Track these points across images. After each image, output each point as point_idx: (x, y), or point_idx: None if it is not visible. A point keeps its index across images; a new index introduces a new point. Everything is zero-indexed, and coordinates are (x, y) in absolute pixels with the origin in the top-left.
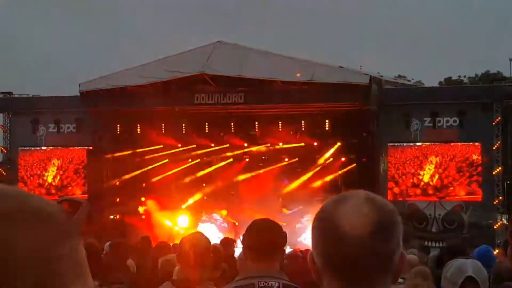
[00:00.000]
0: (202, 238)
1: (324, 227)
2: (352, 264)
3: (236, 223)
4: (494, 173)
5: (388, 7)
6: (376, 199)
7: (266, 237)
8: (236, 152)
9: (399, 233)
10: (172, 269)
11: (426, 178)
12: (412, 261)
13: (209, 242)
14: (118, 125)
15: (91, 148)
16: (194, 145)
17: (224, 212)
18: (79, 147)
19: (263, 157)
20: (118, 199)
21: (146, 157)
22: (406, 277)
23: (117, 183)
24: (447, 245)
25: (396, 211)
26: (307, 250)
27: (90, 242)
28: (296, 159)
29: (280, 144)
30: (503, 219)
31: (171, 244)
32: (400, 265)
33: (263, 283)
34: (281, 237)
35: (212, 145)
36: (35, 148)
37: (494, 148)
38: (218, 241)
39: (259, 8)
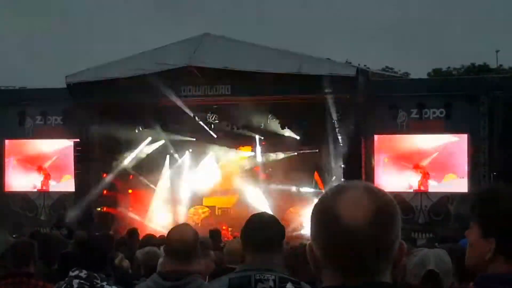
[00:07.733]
0: (189, 230)
1: (323, 219)
2: (353, 256)
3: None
4: (480, 164)
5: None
6: (375, 189)
7: (261, 231)
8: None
9: (398, 223)
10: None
11: None
12: None
13: (197, 234)
14: (105, 117)
15: (78, 140)
16: (181, 137)
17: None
18: (66, 139)
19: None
20: (105, 191)
21: (134, 148)
22: None
23: (104, 175)
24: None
25: (394, 201)
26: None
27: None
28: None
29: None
30: None
31: (157, 236)
32: (400, 255)
33: (259, 276)
34: (277, 231)
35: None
36: (23, 140)
37: (480, 139)
38: None
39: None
